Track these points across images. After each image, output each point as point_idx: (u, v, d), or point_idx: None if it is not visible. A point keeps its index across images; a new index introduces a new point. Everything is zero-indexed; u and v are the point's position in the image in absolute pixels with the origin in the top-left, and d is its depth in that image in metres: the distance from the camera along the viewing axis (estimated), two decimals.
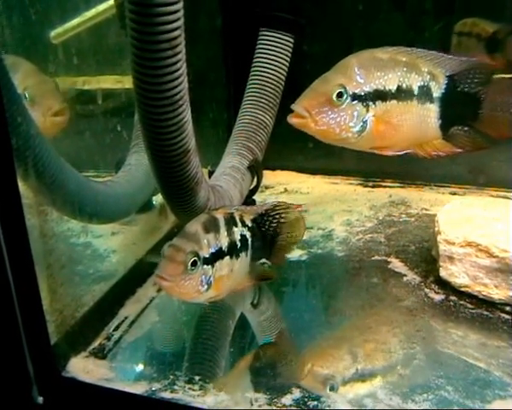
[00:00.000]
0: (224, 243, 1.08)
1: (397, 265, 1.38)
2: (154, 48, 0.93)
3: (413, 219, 1.65)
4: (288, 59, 1.53)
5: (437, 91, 1.21)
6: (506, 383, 1.00)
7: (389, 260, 1.41)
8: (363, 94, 1.16)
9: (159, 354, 1.18)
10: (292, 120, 1.15)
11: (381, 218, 1.65)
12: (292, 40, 1.52)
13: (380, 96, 1.17)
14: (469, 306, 1.21)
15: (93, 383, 1.04)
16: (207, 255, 1.04)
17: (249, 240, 1.14)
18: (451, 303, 1.23)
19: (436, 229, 1.31)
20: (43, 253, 1.07)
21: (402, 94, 1.19)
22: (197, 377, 1.04)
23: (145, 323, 1.23)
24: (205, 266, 1.03)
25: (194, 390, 1.01)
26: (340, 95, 1.14)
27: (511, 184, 1.73)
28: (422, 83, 1.20)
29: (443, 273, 1.26)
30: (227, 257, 1.08)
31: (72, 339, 1.12)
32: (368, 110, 1.17)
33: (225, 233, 1.09)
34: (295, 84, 1.56)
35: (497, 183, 1.79)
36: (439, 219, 1.33)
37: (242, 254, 1.12)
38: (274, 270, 1.22)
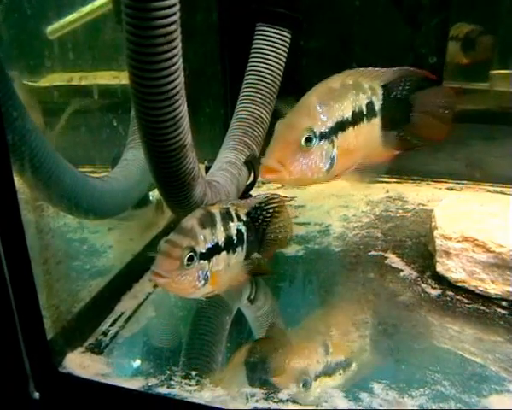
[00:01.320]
0: (220, 237, 1.08)
1: (393, 260, 1.38)
2: (150, 42, 0.93)
3: (410, 214, 1.65)
4: (285, 54, 1.53)
5: (377, 104, 1.24)
6: (502, 378, 1.00)
7: (386, 255, 1.41)
8: (327, 131, 1.17)
9: (155, 349, 1.18)
10: (266, 175, 1.14)
11: (377, 213, 1.65)
12: (289, 35, 1.52)
13: (340, 127, 1.19)
14: (466, 301, 1.21)
15: (89, 379, 1.04)
16: (204, 250, 1.04)
17: (245, 234, 1.14)
18: (448, 298, 1.23)
19: (433, 224, 1.32)
20: (40, 248, 1.07)
21: (356, 118, 1.21)
22: (194, 373, 1.04)
23: (142, 318, 1.23)
24: (201, 262, 1.03)
25: (190, 385, 1.01)
26: (308, 139, 1.14)
27: (508, 180, 1.73)
28: (368, 100, 1.23)
29: (439, 268, 1.26)
30: (223, 252, 1.08)
31: (69, 334, 1.12)
32: (333, 145, 1.18)
33: (222, 228, 1.09)
34: (292, 80, 1.57)
35: (494, 178, 1.79)
36: (435, 215, 1.33)
37: (238, 249, 1.12)
38: (269, 265, 1.21)
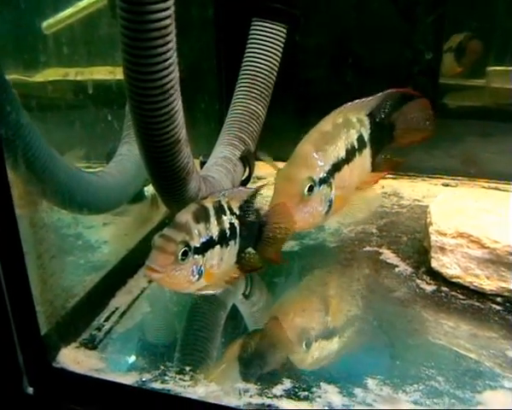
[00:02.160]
0: (214, 232, 1.08)
1: (388, 256, 1.38)
2: (145, 37, 0.92)
3: (405, 210, 1.65)
4: (281, 49, 1.52)
5: (366, 134, 1.30)
6: (496, 374, 1.00)
7: (381, 251, 1.41)
8: (326, 176, 1.22)
9: (149, 344, 1.18)
10: None
11: (372, 209, 1.65)
12: (284, 30, 1.51)
13: (336, 168, 1.25)
14: (461, 297, 1.21)
15: (83, 374, 1.04)
16: (198, 245, 1.04)
17: (237, 228, 1.13)
18: (443, 294, 1.23)
19: (428, 220, 1.32)
20: (34, 243, 1.07)
21: (349, 155, 1.27)
22: (188, 368, 1.04)
23: (136, 314, 1.23)
24: (195, 256, 1.03)
25: (184, 381, 1.01)
26: (310, 188, 1.19)
27: (503, 176, 1.74)
28: (358, 134, 1.29)
29: (434, 264, 1.26)
30: (217, 246, 1.08)
31: (63, 330, 1.11)
32: (331, 188, 1.24)
33: (215, 222, 1.09)
34: (288, 75, 1.57)
35: (489, 174, 1.79)
36: (430, 211, 1.33)
37: (231, 243, 1.12)
38: (262, 260, 1.21)
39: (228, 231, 1.11)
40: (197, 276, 1.04)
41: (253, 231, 1.17)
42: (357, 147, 1.28)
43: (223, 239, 1.10)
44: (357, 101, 1.30)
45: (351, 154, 1.27)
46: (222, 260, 1.10)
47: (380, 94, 1.31)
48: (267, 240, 1.18)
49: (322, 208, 1.24)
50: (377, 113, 1.32)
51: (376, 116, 1.32)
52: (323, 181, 1.22)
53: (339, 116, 1.28)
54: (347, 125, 1.28)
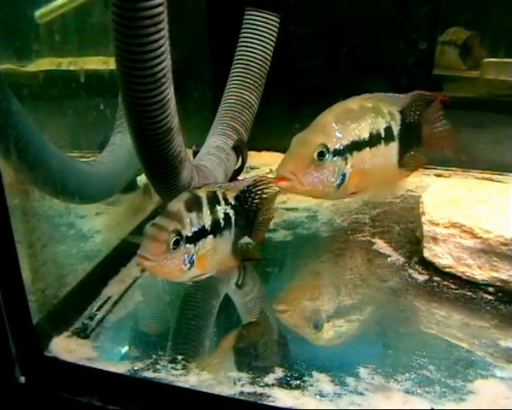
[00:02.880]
0: (206, 221, 1.07)
1: (381, 245, 1.39)
2: (137, 24, 0.92)
3: (398, 200, 1.65)
4: (274, 39, 1.52)
5: (396, 129, 1.32)
6: (488, 363, 1.01)
7: (374, 240, 1.41)
8: (342, 149, 1.23)
9: (142, 333, 1.18)
10: (279, 183, 1.21)
11: (366, 199, 1.65)
12: (278, 20, 1.51)
13: (356, 146, 1.26)
14: (453, 286, 1.22)
15: (75, 363, 1.03)
16: (190, 234, 1.04)
17: (232, 218, 1.13)
18: (435, 284, 1.23)
19: (420, 210, 1.32)
20: (25, 232, 1.06)
21: (373, 140, 1.28)
22: (180, 357, 1.04)
23: (128, 303, 1.23)
24: (187, 245, 1.03)
25: (176, 370, 1.01)
26: (321, 154, 1.20)
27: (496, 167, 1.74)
28: (386, 124, 1.30)
29: (427, 254, 1.26)
30: (210, 236, 1.08)
31: (55, 319, 1.11)
32: (346, 163, 1.25)
33: (208, 212, 1.08)
34: (281, 65, 1.57)
35: (482, 165, 1.79)
36: (423, 201, 1.33)
37: (226, 233, 1.12)
38: (258, 250, 1.21)
39: (222, 222, 1.11)
40: (189, 265, 1.04)
41: (249, 221, 1.17)
42: (383, 136, 1.29)
43: (216, 229, 1.10)
44: (388, 94, 1.33)
45: (375, 139, 1.28)
46: (216, 250, 1.10)
47: (410, 94, 1.34)
48: (257, 225, 1.20)
49: (333, 179, 1.24)
50: (407, 111, 1.34)
51: (407, 115, 1.34)
52: (338, 153, 1.23)
53: (368, 101, 1.30)
54: (376, 111, 1.30)
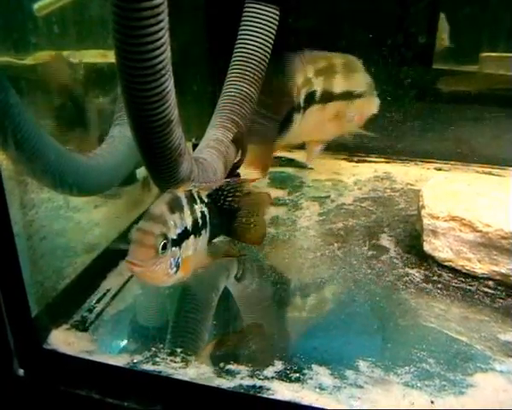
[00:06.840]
0: (188, 222, 1.06)
1: (380, 239, 1.38)
2: (136, 16, 0.91)
3: (398, 193, 1.65)
4: (274, 31, 1.51)
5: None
6: (487, 357, 1.01)
7: (373, 234, 1.41)
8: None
9: (141, 326, 1.18)
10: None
11: (365, 192, 1.65)
12: (277, 12, 1.50)
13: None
14: (452, 280, 1.22)
15: (74, 356, 1.03)
16: (175, 237, 1.02)
17: (207, 216, 1.12)
18: (435, 277, 1.23)
19: (420, 203, 1.32)
20: (24, 224, 1.06)
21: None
22: (179, 350, 1.04)
23: (127, 295, 1.23)
24: (173, 249, 1.02)
25: (175, 362, 1.00)
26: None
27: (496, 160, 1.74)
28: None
29: (427, 247, 1.26)
30: (192, 236, 1.07)
31: (54, 311, 1.11)
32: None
33: (188, 212, 1.07)
34: (281, 57, 1.56)
35: (482, 159, 1.80)
36: (423, 194, 1.33)
37: (203, 232, 1.11)
38: (236, 247, 1.22)
39: (200, 221, 1.10)
40: (175, 268, 1.02)
41: (224, 218, 1.17)
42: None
43: (196, 229, 1.09)
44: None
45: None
46: (196, 250, 1.09)
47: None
48: (243, 226, 1.19)
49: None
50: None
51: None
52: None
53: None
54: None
